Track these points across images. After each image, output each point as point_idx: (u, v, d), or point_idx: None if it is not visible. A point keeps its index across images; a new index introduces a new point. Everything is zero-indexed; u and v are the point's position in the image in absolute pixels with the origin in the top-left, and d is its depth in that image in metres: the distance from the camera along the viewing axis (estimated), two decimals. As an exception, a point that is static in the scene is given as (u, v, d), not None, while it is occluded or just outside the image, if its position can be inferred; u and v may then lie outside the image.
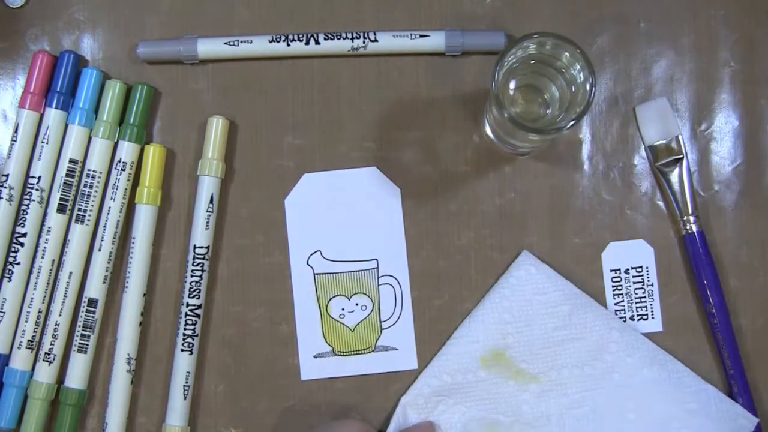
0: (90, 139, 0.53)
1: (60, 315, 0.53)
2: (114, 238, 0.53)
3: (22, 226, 0.53)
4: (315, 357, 0.54)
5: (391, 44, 0.54)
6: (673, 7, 0.55)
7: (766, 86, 0.55)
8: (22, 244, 0.53)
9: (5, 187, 0.53)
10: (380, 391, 0.54)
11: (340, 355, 0.54)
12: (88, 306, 0.53)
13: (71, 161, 0.53)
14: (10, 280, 0.53)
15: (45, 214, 0.53)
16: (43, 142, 0.53)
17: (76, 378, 0.53)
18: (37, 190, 0.53)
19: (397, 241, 0.55)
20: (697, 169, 0.55)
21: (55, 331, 0.53)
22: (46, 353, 0.53)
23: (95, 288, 0.53)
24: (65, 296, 0.53)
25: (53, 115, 0.53)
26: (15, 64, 0.55)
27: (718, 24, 0.55)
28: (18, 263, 0.53)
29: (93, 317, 0.53)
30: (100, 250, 0.53)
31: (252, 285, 0.55)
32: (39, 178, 0.53)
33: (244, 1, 0.55)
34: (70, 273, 0.53)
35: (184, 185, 0.55)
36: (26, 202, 0.53)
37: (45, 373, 0.53)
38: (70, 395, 0.53)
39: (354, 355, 0.54)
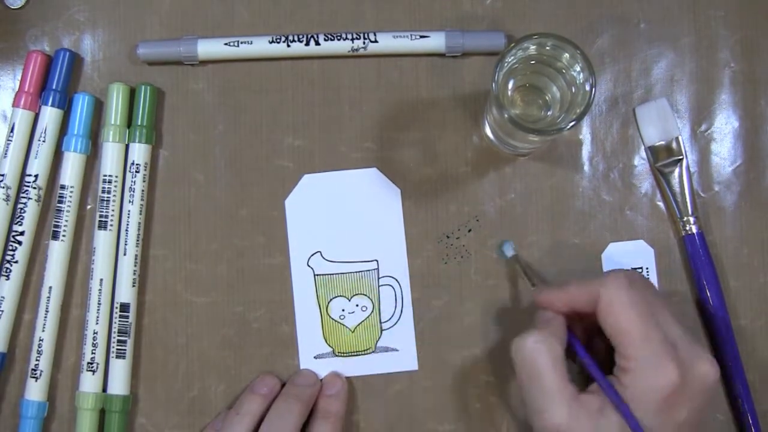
0: (101, 144, 0.54)
1: (97, 323, 0.53)
2: (137, 240, 0.53)
3: (20, 224, 0.53)
4: (315, 358, 0.54)
5: (391, 45, 0.54)
6: (673, 8, 0.55)
7: (766, 87, 0.55)
8: (20, 243, 0.53)
9: (2, 187, 0.53)
10: (381, 392, 0.54)
11: (341, 356, 0.54)
12: (120, 311, 0.53)
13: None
14: (8, 279, 0.53)
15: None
16: (39, 140, 0.53)
17: (119, 384, 0.53)
18: (34, 188, 0.53)
19: (397, 242, 0.55)
20: (697, 169, 0.55)
21: (94, 340, 0.53)
22: (88, 363, 0.53)
23: (125, 292, 0.53)
24: (99, 303, 0.53)
25: (49, 113, 0.53)
26: (15, 65, 0.55)
27: (719, 25, 0.55)
28: (16, 261, 0.53)
29: (127, 322, 0.53)
30: (125, 254, 0.53)
31: (252, 286, 0.55)
32: (36, 176, 0.53)
33: (244, 2, 0.55)
34: (101, 280, 0.53)
35: (184, 186, 0.55)
36: (23, 200, 0.53)
37: (90, 383, 0.53)
38: (115, 402, 0.53)
39: (354, 356, 0.54)
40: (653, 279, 0.55)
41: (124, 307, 0.53)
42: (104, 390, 0.53)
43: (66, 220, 0.53)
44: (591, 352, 0.47)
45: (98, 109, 0.55)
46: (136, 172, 0.53)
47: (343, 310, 0.54)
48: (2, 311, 0.53)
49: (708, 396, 0.45)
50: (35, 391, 0.53)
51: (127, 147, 0.54)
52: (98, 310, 0.53)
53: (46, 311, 0.53)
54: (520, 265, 0.52)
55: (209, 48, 0.54)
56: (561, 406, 0.43)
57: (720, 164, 0.55)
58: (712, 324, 0.54)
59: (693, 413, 0.44)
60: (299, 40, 0.54)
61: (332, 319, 0.54)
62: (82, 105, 0.54)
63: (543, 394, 0.44)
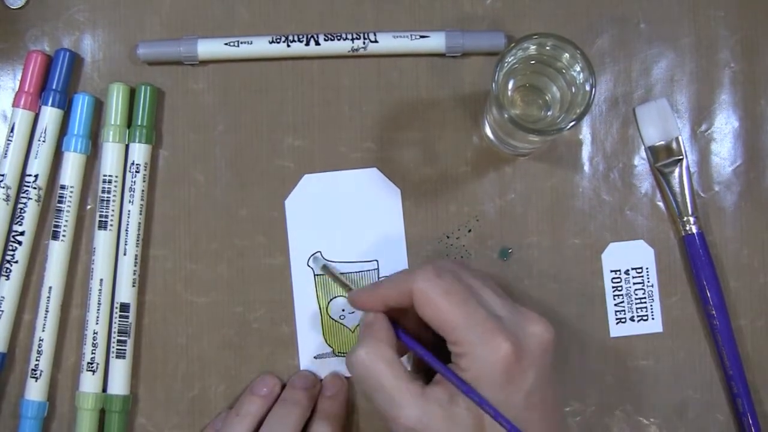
0: (101, 144, 0.54)
1: (97, 323, 0.53)
2: (137, 240, 0.53)
3: (20, 224, 0.53)
4: (315, 358, 0.54)
5: (391, 45, 0.54)
6: (673, 8, 0.55)
7: (766, 87, 0.55)
8: (20, 243, 0.53)
9: (2, 187, 0.53)
10: (380, 392, 0.54)
11: (341, 356, 0.54)
12: (120, 311, 0.53)
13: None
14: (8, 279, 0.53)
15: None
16: (39, 140, 0.53)
17: (119, 384, 0.53)
18: (34, 188, 0.53)
19: (397, 242, 0.55)
20: (697, 169, 0.55)
21: (94, 340, 0.53)
22: (88, 363, 0.53)
23: (125, 292, 0.53)
24: (99, 303, 0.53)
25: (49, 113, 0.53)
26: (15, 65, 0.55)
27: (719, 25, 0.55)
28: (16, 261, 0.53)
29: (127, 322, 0.53)
30: (125, 254, 0.53)
31: (252, 286, 0.55)
32: (36, 176, 0.53)
33: (244, 2, 0.55)
34: (101, 280, 0.53)
35: (184, 186, 0.55)
36: (23, 200, 0.53)
37: (90, 383, 0.53)
38: (115, 402, 0.53)
39: (354, 355, 0.54)
40: (653, 279, 0.55)
41: (124, 307, 0.53)
42: (104, 390, 0.53)
43: (66, 220, 0.53)
44: (429, 343, 0.46)
45: (98, 109, 0.55)
46: (136, 172, 0.53)
47: (343, 310, 0.54)
48: (2, 311, 0.53)
49: (549, 356, 0.45)
50: (35, 391, 0.53)
51: (127, 147, 0.54)
52: (98, 310, 0.53)
53: (46, 311, 0.53)
54: (332, 274, 0.51)
55: (209, 48, 0.54)
56: (410, 406, 0.43)
57: (720, 164, 0.55)
58: (712, 325, 0.54)
59: (539, 378, 0.44)
60: (299, 40, 0.54)
61: (332, 319, 0.54)
62: (82, 105, 0.54)
63: (389, 399, 0.43)
